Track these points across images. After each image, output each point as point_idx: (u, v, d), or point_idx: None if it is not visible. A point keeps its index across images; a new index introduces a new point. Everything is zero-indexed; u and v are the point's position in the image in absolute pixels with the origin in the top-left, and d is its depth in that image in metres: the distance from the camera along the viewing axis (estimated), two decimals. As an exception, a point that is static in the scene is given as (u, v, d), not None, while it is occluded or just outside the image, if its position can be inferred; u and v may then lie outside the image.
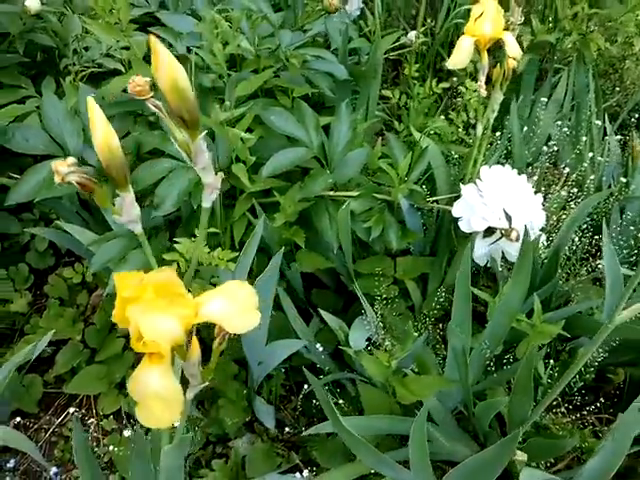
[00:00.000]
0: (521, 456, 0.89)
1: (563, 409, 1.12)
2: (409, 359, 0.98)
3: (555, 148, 1.59)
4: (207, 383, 0.56)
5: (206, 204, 0.50)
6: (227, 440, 1.23)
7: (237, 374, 1.26)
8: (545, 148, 1.48)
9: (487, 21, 1.02)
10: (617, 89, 1.94)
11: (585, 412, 1.15)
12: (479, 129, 1.19)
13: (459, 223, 1.20)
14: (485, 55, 1.06)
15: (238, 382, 1.27)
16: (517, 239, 1.17)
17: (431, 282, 1.35)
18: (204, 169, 0.47)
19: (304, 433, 0.97)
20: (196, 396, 1.29)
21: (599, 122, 1.58)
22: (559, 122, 1.73)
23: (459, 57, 1.03)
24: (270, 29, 1.25)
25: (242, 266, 1.00)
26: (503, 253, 1.20)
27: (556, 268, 1.14)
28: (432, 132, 1.52)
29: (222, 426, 1.19)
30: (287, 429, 1.18)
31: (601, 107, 1.64)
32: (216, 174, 0.50)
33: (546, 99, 1.76)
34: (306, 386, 1.14)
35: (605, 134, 1.68)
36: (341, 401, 1.11)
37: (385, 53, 1.72)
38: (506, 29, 1.07)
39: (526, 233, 1.10)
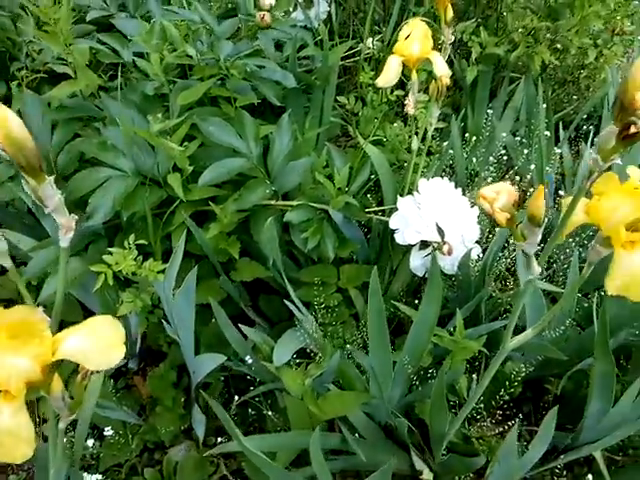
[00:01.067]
0: (427, 475, 0.91)
1: (489, 421, 1.14)
2: (329, 374, 0.99)
3: (505, 157, 1.61)
4: (74, 416, 0.56)
5: (64, 244, 0.52)
6: (166, 447, 1.25)
7: (176, 382, 1.27)
8: (491, 158, 1.49)
9: (415, 42, 1.03)
10: (575, 97, 1.96)
11: (511, 424, 1.18)
12: (414, 143, 1.20)
13: (395, 235, 1.22)
14: (414, 74, 1.08)
15: (178, 390, 1.28)
16: (449, 253, 1.19)
17: (374, 291, 1.37)
18: (55, 211, 0.49)
19: (212, 451, 0.99)
20: (136, 402, 1.34)
21: (548, 132, 1.60)
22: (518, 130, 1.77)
23: (388, 76, 1.04)
24: (215, 39, 1.25)
25: (169, 277, 1.01)
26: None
27: (484, 281, 1.16)
28: (383, 140, 1.54)
29: (158, 434, 1.21)
30: (220, 439, 1.19)
31: (551, 117, 1.65)
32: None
33: (502, 108, 1.79)
34: (237, 397, 1.16)
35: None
36: (272, 413, 1.13)
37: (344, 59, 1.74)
38: (439, 48, 1.09)
39: (455, 248, 1.13)
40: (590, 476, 1.02)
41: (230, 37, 1.33)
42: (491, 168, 1.55)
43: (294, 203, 1.20)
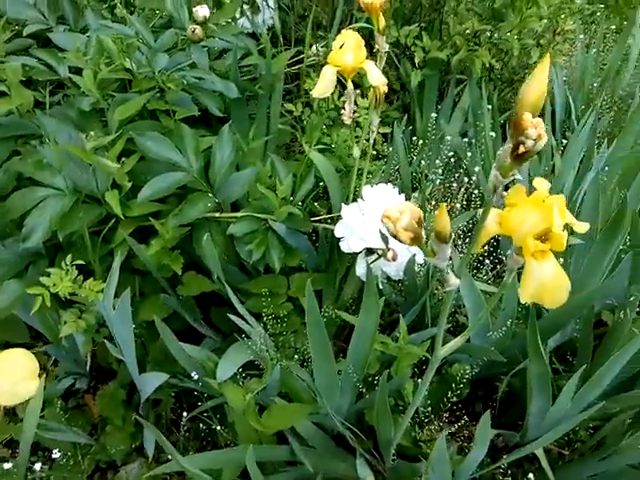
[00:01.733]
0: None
1: (438, 424, 1.15)
2: (273, 388, 1.00)
3: (453, 160, 1.63)
4: None
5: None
6: (118, 466, 1.24)
7: (127, 400, 1.26)
8: (438, 161, 1.51)
9: (348, 52, 1.04)
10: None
11: (462, 424, 1.19)
12: (355, 150, 1.21)
13: (340, 244, 1.22)
14: (350, 84, 1.08)
15: (129, 408, 1.27)
16: (394, 259, 1.20)
17: (325, 298, 1.37)
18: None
19: (155, 471, 0.98)
20: (87, 422, 1.32)
21: (493, 133, 1.62)
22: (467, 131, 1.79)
23: (323, 86, 1.04)
24: (152, 52, 1.24)
25: (108, 296, 1.00)
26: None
27: (429, 285, 1.18)
28: (331, 146, 1.54)
29: (109, 453, 1.20)
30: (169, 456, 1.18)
31: (497, 117, 1.68)
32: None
33: (450, 111, 1.81)
34: (185, 413, 1.15)
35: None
36: (222, 427, 1.12)
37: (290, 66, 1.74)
38: (374, 56, 1.10)
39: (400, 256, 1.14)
40: (531, 475, 1.03)
41: (169, 49, 1.32)
42: (439, 171, 1.57)
43: (238, 215, 1.20)
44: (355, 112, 1.52)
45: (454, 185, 1.47)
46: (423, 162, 1.63)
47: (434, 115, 1.59)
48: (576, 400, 1.04)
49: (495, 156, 1.57)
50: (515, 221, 0.63)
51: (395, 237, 0.56)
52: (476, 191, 1.41)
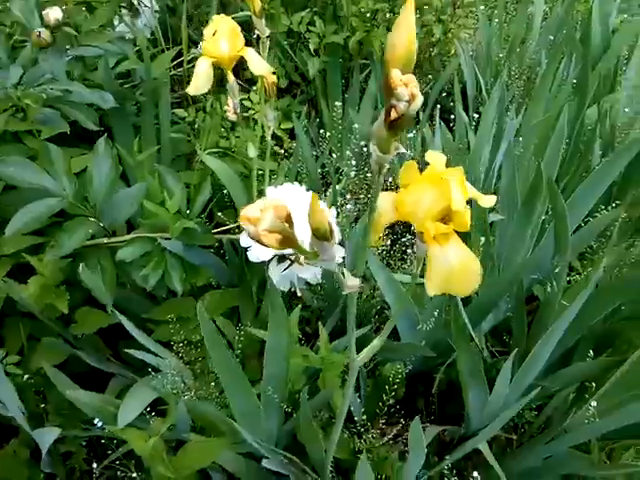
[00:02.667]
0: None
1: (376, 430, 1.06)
2: (183, 424, 0.88)
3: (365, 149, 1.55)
4: None
5: None
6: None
7: (30, 458, 1.11)
8: (348, 152, 1.42)
9: (222, 40, 0.93)
10: (430, 76, 1.94)
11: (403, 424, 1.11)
12: (251, 151, 1.10)
13: (247, 253, 1.11)
14: (231, 76, 0.97)
15: (37, 466, 1.12)
16: (308, 262, 1.10)
17: (244, 315, 1.26)
18: None
19: None
20: None
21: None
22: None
23: (198, 81, 0.93)
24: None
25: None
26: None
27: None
28: (231, 150, 1.43)
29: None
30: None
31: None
32: None
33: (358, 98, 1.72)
34: (95, 465, 1.02)
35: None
36: (138, 473, 1.00)
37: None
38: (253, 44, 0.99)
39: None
40: (476, 473, 0.95)
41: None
42: (352, 162, 1.48)
43: (126, 238, 1.07)
44: (250, 109, 1.41)
45: (370, 175, 1.39)
46: (335, 155, 1.54)
47: (338, 104, 1.50)
48: (514, 384, 0.97)
49: (406, 138, 1.49)
50: (410, 203, 0.54)
51: (259, 242, 0.46)
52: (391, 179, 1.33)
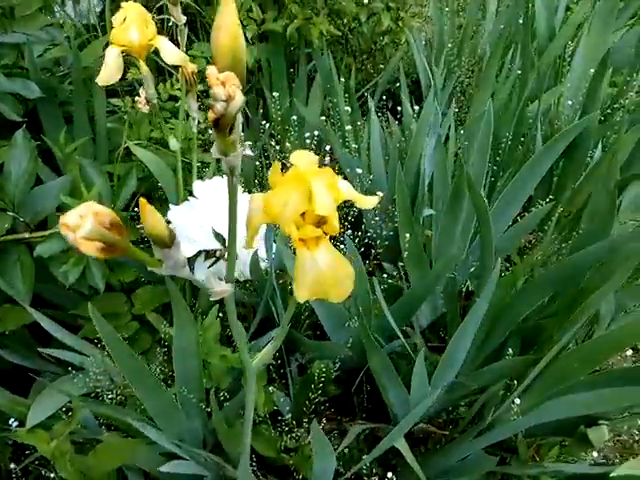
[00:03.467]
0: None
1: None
2: (92, 425, 0.85)
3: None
4: None
5: None
6: None
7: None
8: (288, 145, 1.39)
9: (132, 27, 0.89)
10: (382, 65, 1.91)
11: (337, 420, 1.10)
12: (173, 143, 1.07)
13: (173, 249, 1.08)
14: (143, 65, 0.94)
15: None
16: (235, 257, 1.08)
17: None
18: None
19: None
20: None
21: (349, 108, 1.53)
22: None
23: (108, 72, 0.89)
24: None
25: None
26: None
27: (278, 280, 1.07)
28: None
29: None
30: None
31: (352, 90, 1.58)
32: None
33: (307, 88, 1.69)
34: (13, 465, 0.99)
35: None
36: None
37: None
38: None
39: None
40: (390, 473, 0.94)
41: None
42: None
43: (46, 233, 1.03)
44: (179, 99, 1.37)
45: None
46: (279, 147, 1.51)
47: (276, 94, 1.47)
48: (434, 381, 0.96)
49: (354, 133, 1.46)
50: (276, 205, 0.52)
51: (78, 249, 0.43)
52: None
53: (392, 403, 0.97)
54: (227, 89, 0.37)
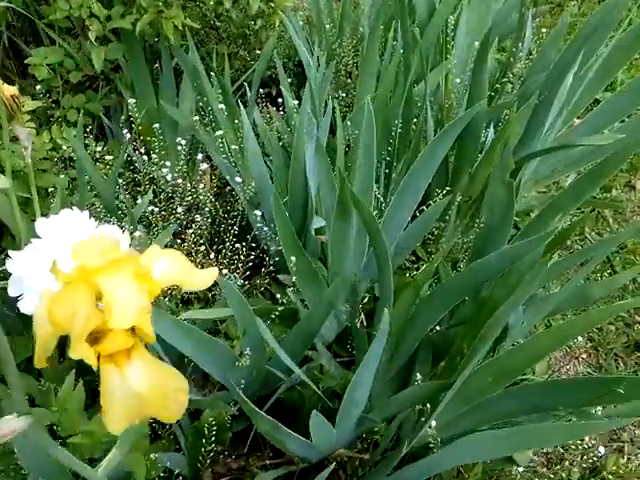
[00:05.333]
0: None
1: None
2: None
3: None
4: None
5: None
6: None
7: None
8: (155, 156, 1.22)
9: None
10: (258, 52, 1.76)
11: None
12: (1, 181, 0.88)
13: (19, 305, 0.90)
14: None
15: None
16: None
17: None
18: None
19: None
20: None
21: (222, 105, 1.36)
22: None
23: None
24: None
25: None
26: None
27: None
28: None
29: None
30: None
31: (225, 84, 1.40)
32: None
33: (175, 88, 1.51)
34: None
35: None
36: None
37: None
38: None
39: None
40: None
41: None
42: (166, 164, 1.29)
43: None
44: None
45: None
46: (147, 158, 1.33)
47: (132, 101, 1.29)
48: (340, 421, 0.85)
49: (233, 133, 1.29)
50: (62, 316, 0.38)
51: None
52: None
53: (295, 453, 0.86)
54: None
